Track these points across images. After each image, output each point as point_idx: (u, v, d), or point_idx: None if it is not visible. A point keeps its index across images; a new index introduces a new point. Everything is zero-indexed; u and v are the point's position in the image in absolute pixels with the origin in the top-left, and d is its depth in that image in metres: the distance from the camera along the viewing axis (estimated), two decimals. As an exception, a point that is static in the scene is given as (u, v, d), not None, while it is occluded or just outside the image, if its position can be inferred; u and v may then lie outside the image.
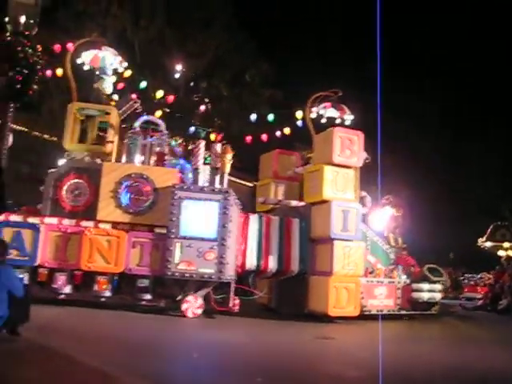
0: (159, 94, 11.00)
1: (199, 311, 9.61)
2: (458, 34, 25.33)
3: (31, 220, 9.62)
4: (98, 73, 11.30)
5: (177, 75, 12.11)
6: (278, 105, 23.47)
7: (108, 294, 9.78)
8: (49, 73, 10.60)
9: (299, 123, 13.14)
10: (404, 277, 12.79)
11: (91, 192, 10.00)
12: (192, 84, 13.70)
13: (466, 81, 25.26)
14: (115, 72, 11.33)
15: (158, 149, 10.45)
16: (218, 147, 10.23)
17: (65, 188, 9.97)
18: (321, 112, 12.42)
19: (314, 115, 12.50)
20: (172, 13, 23.09)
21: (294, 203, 11.34)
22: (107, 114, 10.70)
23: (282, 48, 24.54)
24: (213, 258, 9.61)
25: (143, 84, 11.29)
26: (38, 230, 9.57)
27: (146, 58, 21.01)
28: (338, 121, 13.09)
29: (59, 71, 10.77)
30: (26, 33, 5.63)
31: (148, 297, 9.83)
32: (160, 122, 10.55)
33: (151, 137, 10.54)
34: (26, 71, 5.25)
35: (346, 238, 10.55)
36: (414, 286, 12.52)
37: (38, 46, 7.47)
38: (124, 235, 9.72)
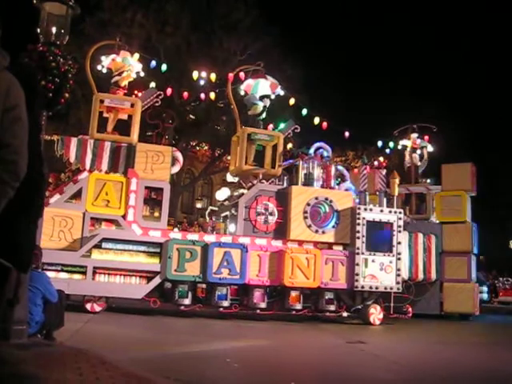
0: (316, 120, 11.88)
1: (381, 317, 10.89)
2: None
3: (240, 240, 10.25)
4: (247, 98, 12.00)
5: (202, 82, 12.88)
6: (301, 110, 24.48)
7: (299, 307, 10.66)
8: None
9: (387, 151, 14.90)
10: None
11: (279, 213, 10.77)
12: (217, 91, 14.25)
13: None
14: (265, 98, 12.05)
15: (320, 172, 11.46)
16: (384, 172, 11.57)
17: (256, 210, 10.63)
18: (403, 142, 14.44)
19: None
20: (197, 18, 23.23)
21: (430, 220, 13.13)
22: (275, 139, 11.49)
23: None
24: (391, 271, 10.96)
25: (304, 111, 12.15)
26: (247, 250, 10.18)
27: (172, 65, 21.05)
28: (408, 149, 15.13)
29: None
30: (57, 42, 6.37)
31: (332, 308, 10.88)
32: (329, 148, 11.57)
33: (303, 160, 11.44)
34: (58, 80, 5.98)
35: (475, 252, 12.60)
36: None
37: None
38: (319, 253, 10.66)
